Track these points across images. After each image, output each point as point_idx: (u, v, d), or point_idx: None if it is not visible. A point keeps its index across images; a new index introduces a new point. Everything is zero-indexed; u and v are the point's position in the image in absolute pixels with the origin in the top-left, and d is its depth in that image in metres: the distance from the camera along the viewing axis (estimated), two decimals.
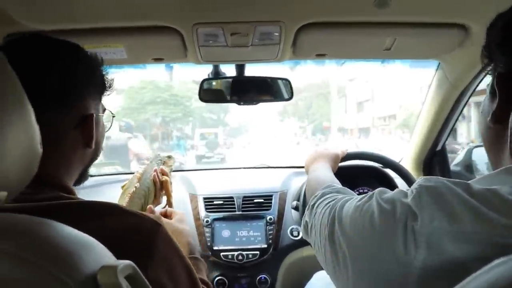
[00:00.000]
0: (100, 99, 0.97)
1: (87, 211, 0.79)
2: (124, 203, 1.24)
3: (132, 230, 0.80)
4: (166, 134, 26.12)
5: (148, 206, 1.31)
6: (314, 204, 1.00)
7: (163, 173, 1.43)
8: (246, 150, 24.61)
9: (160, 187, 1.40)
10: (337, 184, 1.13)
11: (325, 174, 1.33)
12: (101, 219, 0.78)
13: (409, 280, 0.59)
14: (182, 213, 1.37)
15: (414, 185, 0.66)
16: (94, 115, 0.90)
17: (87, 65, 0.91)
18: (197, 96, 1.67)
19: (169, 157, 1.55)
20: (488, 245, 0.54)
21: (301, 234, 1.76)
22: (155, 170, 1.40)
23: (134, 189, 1.28)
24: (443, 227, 0.58)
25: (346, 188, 1.06)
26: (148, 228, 0.82)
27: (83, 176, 0.97)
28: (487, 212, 0.56)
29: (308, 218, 1.02)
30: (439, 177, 0.66)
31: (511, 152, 0.58)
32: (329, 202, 0.90)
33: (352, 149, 1.78)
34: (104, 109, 1.01)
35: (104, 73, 0.97)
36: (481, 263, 0.49)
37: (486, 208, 0.57)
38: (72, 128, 0.86)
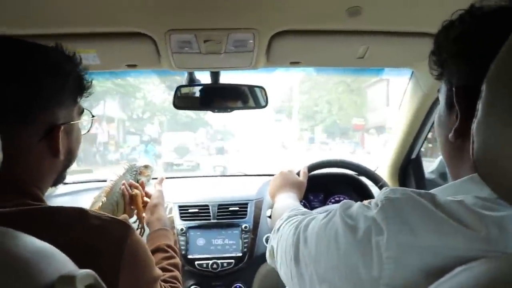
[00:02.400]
0: (75, 104, 0.93)
1: (52, 216, 0.78)
2: None
3: (99, 232, 0.78)
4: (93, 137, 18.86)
5: None
6: (279, 227, 0.99)
7: (134, 186, 1.40)
8: (230, 157, 21.53)
9: (129, 201, 1.36)
10: (302, 209, 1.12)
11: (291, 202, 1.33)
12: (66, 224, 0.77)
13: None
14: (158, 190, 1.45)
15: (380, 197, 0.65)
16: (62, 126, 0.86)
17: (57, 72, 0.86)
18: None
19: (146, 166, 1.52)
20: (453, 258, 0.54)
21: None
22: (124, 184, 1.37)
23: (101, 203, 1.24)
24: (409, 241, 0.57)
25: (311, 211, 1.05)
26: (116, 229, 0.81)
27: (58, 180, 0.95)
28: (453, 225, 0.56)
29: (273, 243, 1.00)
30: (405, 188, 0.65)
31: (474, 165, 0.58)
32: (293, 223, 0.88)
33: (312, 161, 1.80)
34: (82, 111, 0.97)
35: (80, 74, 0.92)
36: None
37: (452, 220, 0.57)
38: (37, 141, 0.83)
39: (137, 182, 1.45)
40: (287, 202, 1.34)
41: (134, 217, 1.40)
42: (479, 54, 0.63)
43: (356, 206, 0.69)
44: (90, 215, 0.81)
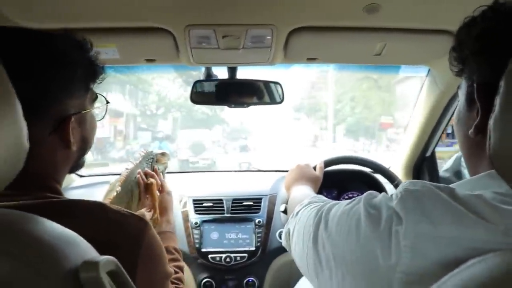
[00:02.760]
0: (86, 92, 0.91)
1: (71, 209, 0.79)
2: None
3: (117, 226, 0.79)
4: None
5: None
6: (298, 211, 1.00)
7: (150, 175, 1.39)
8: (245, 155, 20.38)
9: (145, 190, 1.36)
10: (323, 197, 1.13)
11: (310, 193, 1.33)
12: (86, 217, 0.78)
13: (393, 284, 0.59)
14: (168, 192, 1.46)
15: (399, 189, 0.66)
16: (73, 117, 0.84)
17: (65, 63, 0.83)
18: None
19: (163, 154, 1.51)
20: (471, 250, 0.55)
21: None
22: (139, 172, 1.36)
23: (116, 193, 1.23)
24: (427, 231, 0.58)
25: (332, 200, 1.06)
26: (134, 224, 0.82)
27: (75, 168, 0.95)
28: (472, 217, 0.57)
29: (290, 226, 1.01)
30: (425, 181, 0.66)
31: (491, 160, 0.58)
32: (315, 207, 0.89)
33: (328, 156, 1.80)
34: (95, 98, 0.95)
35: (92, 60, 0.90)
36: None
37: (470, 213, 0.57)
38: (48, 134, 0.82)
39: (153, 170, 1.45)
40: (305, 192, 1.34)
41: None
42: (501, 52, 0.63)
43: (380, 196, 0.70)
44: (109, 209, 0.81)
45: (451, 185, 0.70)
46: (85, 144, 0.93)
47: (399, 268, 0.58)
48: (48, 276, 0.52)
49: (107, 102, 1.03)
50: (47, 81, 0.80)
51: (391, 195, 0.68)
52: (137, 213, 0.87)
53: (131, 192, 1.31)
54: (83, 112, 0.89)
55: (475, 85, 0.69)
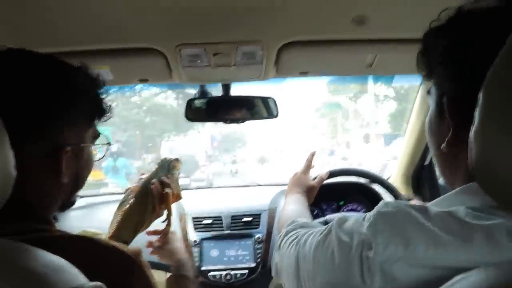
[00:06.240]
0: (88, 126, 0.90)
1: (58, 246, 0.73)
2: (115, 222, 1.19)
3: (106, 265, 0.77)
4: None
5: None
6: (280, 244, 0.99)
7: (166, 185, 1.30)
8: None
9: (160, 200, 1.28)
10: (304, 218, 1.11)
11: (295, 208, 1.30)
12: (74, 254, 0.72)
13: None
14: (173, 231, 1.37)
15: (372, 212, 0.66)
16: (69, 148, 0.82)
17: (70, 89, 0.83)
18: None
19: (177, 159, 1.41)
20: (442, 269, 0.55)
21: None
22: (154, 183, 1.28)
23: (129, 205, 1.21)
24: (397, 253, 0.57)
25: (308, 222, 1.04)
26: (123, 264, 0.79)
27: (65, 205, 0.92)
28: (442, 235, 0.56)
29: (277, 259, 1.00)
30: (399, 201, 0.66)
31: (473, 174, 0.58)
32: (292, 241, 0.89)
33: (335, 167, 1.78)
34: (98, 135, 0.94)
35: (99, 96, 0.90)
36: None
37: (441, 232, 0.57)
38: (40, 159, 0.80)
39: (168, 177, 1.34)
40: (290, 208, 1.32)
41: (164, 216, 1.33)
42: (471, 63, 0.62)
43: (351, 221, 0.69)
44: (98, 245, 0.79)
45: (431, 202, 0.70)
46: (77, 181, 0.90)
47: None
48: None
49: (109, 144, 1.01)
50: (50, 104, 0.79)
51: (364, 218, 0.67)
52: (131, 250, 0.83)
53: (146, 203, 1.26)
54: (81, 145, 0.87)
55: (445, 98, 0.68)
